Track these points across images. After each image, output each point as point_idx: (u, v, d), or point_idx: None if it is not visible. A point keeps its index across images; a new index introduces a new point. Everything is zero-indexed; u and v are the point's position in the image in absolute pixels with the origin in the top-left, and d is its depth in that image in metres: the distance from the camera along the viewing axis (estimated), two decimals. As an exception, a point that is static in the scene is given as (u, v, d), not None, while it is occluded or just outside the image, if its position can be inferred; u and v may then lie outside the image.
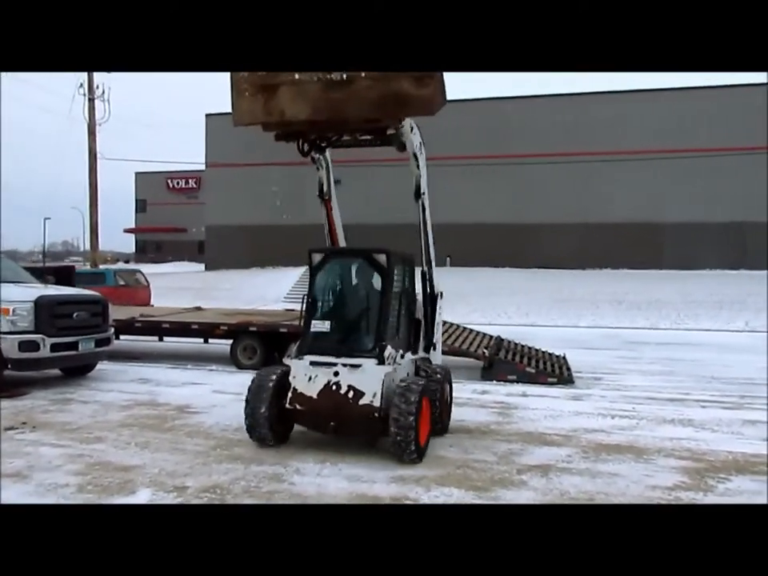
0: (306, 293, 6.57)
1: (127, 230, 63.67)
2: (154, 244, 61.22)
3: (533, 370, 10.16)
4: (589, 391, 9.47)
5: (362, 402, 5.96)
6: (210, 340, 11.92)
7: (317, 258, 6.51)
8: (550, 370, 10.37)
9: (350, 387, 6.02)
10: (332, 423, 6.03)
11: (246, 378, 10.00)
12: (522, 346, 11.91)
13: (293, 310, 14.70)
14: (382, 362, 6.08)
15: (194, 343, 12.65)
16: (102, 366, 10.61)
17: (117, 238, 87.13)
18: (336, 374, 6.09)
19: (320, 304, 6.54)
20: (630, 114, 28.12)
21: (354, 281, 6.71)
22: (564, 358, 11.60)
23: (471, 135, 29.15)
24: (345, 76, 5.30)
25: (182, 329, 11.71)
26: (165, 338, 12.33)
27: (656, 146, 26.88)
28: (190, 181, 58.76)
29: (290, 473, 5.65)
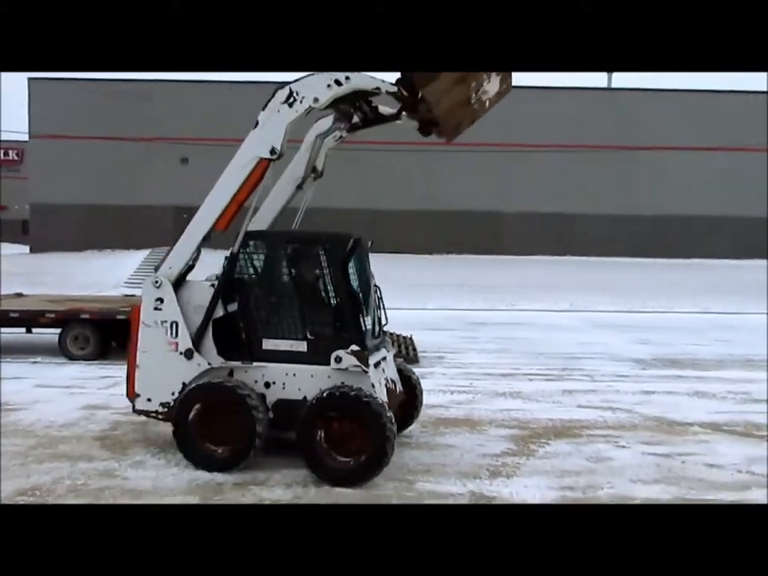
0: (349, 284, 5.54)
1: (-67, 207, 55.52)
2: (-33, 223, 54.04)
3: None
4: (431, 369, 9.95)
5: (397, 390, 6.01)
6: (35, 330, 10.77)
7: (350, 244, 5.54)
8: (397, 351, 10.73)
9: (390, 380, 5.92)
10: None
11: (75, 370, 9.28)
12: (371, 329, 12.17)
13: (133, 296, 13.77)
14: (388, 349, 6.14)
15: (14, 334, 11.36)
16: None
17: None
18: (383, 370, 5.81)
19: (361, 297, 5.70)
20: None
21: (367, 269, 6.09)
22: (411, 338, 12.06)
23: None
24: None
25: (-3, 318, 10.42)
26: (-23, 330, 10.92)
27: (500, 140, 28.70)
28: (10, 152, 52.40)
29: (124, 467, 5.33)
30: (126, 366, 5.84)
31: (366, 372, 5.26)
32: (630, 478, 5.30)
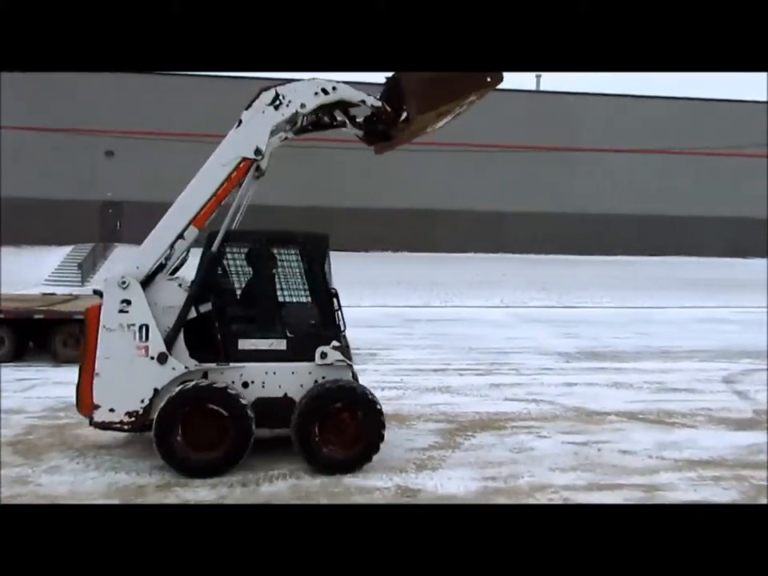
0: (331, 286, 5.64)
1: None
2: None
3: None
4: (364, 366, 9.97)
5: None
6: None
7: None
8: (330, 348, 10.71)
9: None
10: None
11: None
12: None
13: (53, 294, 13.19)
14: None
15: None
16: None
17: None
18: None
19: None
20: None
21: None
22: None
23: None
24: None
25: None
26: None
27: (436, 139, 29.09)
28: None
29: (38, 473, 5.11)
30: (77, 376, 5.34)
31: (351, 365, 5.44)
32: (549, 466, 5.52)
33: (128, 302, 5.11)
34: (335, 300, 5.61)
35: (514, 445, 6.07)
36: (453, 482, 5.13)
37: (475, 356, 11.25)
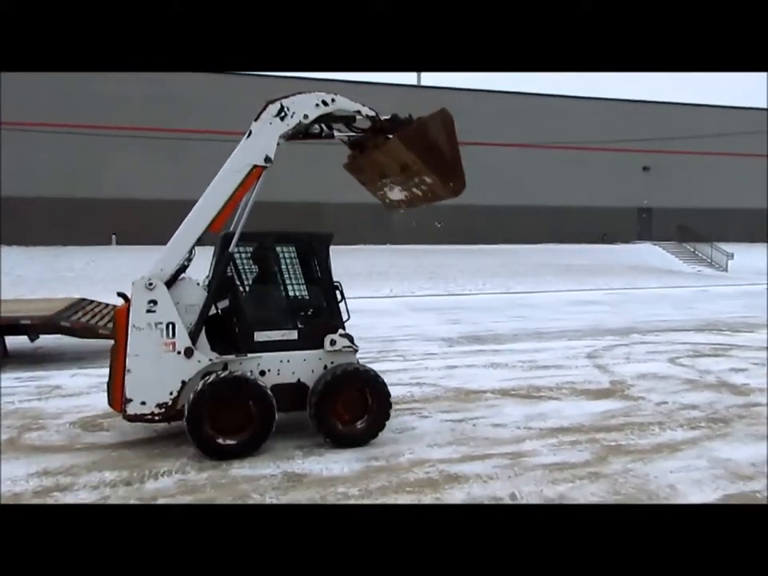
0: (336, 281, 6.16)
1: None
2: None
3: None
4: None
5: None
6: None
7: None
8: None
9: None
10: None
11: None
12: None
13: None
14: None
15: None
16: None
17: None
18: None
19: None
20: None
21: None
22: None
23: (135, 106, 27.33)
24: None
25: None
26: None
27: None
28: None
29: None
30: (108, 374, 5.77)
31: (357, 351, 6.08)
32: (428, 443, 5.91)
33: (155, 302, 5.51)
34: (339, 292, 6.12)
35: (396, 426, 6.40)
36: (338, 465, 5.37)
37: (364, 345, 11.42)
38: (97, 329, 9.74)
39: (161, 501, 4.67)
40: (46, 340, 10.35)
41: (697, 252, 33.34)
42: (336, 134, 6.25)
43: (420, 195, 6.05)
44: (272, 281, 6.17)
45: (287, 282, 6.21)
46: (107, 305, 11.83)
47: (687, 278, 27.92)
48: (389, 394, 5.92)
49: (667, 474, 5.18)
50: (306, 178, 29.22)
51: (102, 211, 26.50)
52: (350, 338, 6.02)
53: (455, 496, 4.76)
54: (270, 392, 5.60)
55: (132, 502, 4.66)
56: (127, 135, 26.59)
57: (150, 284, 5.49)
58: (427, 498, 4.72)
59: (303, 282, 6.30)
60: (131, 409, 5.51)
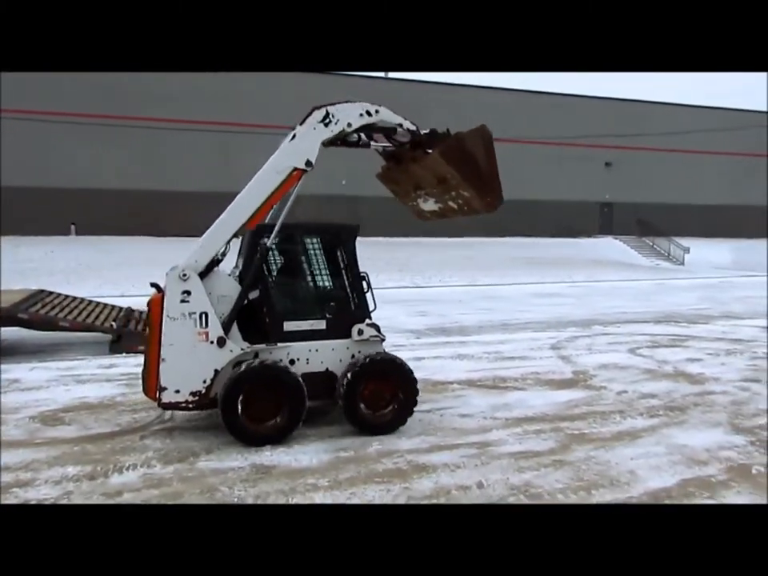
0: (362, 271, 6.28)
1: None
2: None
3: (165, 338, 10.12)
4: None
5: None
6: None
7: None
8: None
9: None
10: None
11: None
12: (156, 316, 11.68)
13: None
14: None
15: None
16: None
17: None
18: None
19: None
20: (251, 89, 29.29)
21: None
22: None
23: (93, 94, 26.59)
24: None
25: None
26: None
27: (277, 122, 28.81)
28: None
29: None
30: (143, 364, 5.86)
31: (384, 340, 6.24)
32: (397, 434, 5.95)
33: (188, 293, 5.60)
34: (365, 282, 6.22)
35: (365, 417, 6.43)
36: (307, 456, 5.38)
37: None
38: (56, 321, 9.51)
39: (126, 495, 4.60)
40: (4, 333, 10.05)
41: (655, 246, 34.27)
42: (372, 144, 6.38)
43: (455, 208, 6.26)
44: (300, 271, 6.37)
45: (315, 272, 6.41)
46: (67, 296, 11.55)
47: (646, 271, 28.69)
48: (416, 381, 6.09)
49: (628, 461, 5.34)
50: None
51: (60, 201, 25.80)
52: (377, 328, 6.18)
53: (423, 485, 4.82)
54: (299, 380, 5.72)
55: (96, 497, 4.58)
56: (86, 123, 25.89)
57: (184, 275, 5.58)
58: (396, 488, 4.76)
59: (331, 272, 6.43)
60: (166, 397, 5.59)
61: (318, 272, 6.43)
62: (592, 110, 34.71)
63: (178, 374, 5.60)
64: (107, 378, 8.18)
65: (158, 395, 5.64)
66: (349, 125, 5.89)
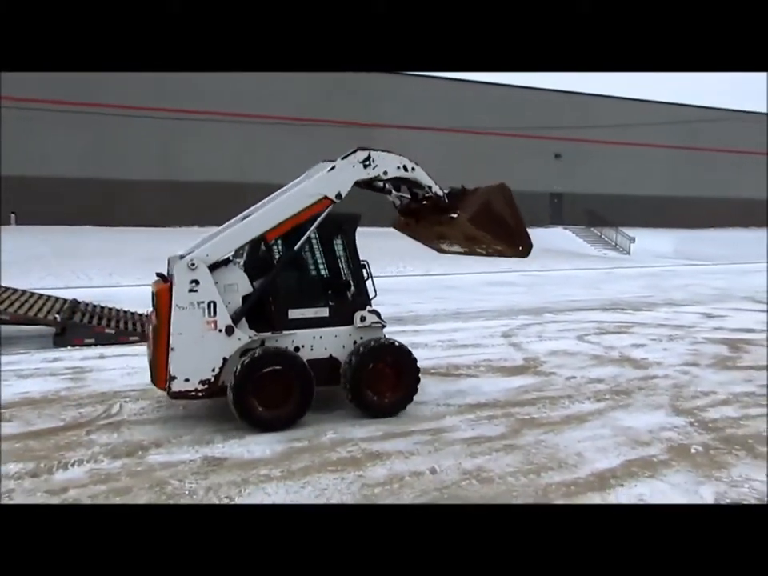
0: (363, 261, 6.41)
1: None
2: None
3: (112, 331, 9.85)
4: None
5: None
6: None
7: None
8: (132, 329, 10.22)
9: None
10: None
11: None
12: (102, 308, 11.35)
13: None
14: None
15: None
16: None
17: None
18: None
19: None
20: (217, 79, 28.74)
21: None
22: (148, 316, 11.54)
23: (36, 79, 25.47)
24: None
25: None
26: None
27: (235, 110, 28.31)
28: None
29: None
30: (150, 354, 5.85)
31: (385, 326, 6.37)
32: (351, 422, 5.96)
33: (197, 282, 5.60)
34: (365, 271, 6.35)
35: (319, 406, 6.40)
36: (260, 447, 5.33)
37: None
38: (-5, 314, 9.11)
39: (72, 492, 4.47)
40: (-63, 327, 9.57)
41: (603, 236, 35.23)
42: (393, 193, 6.65)
43: (483, 253, 6.76)
44: (304, 261, 6.49)
45: (318, 261, 6.60)
46: (7, 288, 11.08)
47: (594, 260, 29.48)
48: (418, 368, 6.27)
49: (575, 443, 5.50)
50: (225, 156, 28.43)
51: (-2, 189, 24.64)
52: (378, 314, 6.29)
53: (377, 473, 4.85)
54: (306, 366, 5.81)
55: (39, 494, 4.43)
56: (29, 108, 24.80)
57: (193, 264, 5.57)
58: (350, 476, 4.77)
59: (333, 261, 6.59)
60: (176, 386, 5.57)
61: (321, 261, 6.63)
62: (542, 102, 35.31)
63: (188, 362, 5.60)
64: (51, 372, 7.91)
65: (167, 385, 5.60)
66: (385, 173, 6.18)
